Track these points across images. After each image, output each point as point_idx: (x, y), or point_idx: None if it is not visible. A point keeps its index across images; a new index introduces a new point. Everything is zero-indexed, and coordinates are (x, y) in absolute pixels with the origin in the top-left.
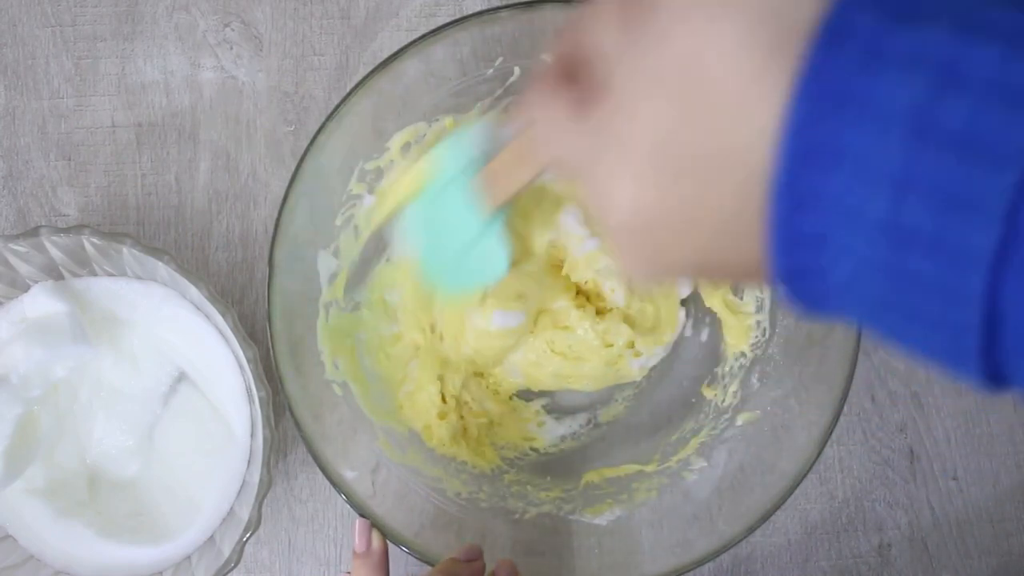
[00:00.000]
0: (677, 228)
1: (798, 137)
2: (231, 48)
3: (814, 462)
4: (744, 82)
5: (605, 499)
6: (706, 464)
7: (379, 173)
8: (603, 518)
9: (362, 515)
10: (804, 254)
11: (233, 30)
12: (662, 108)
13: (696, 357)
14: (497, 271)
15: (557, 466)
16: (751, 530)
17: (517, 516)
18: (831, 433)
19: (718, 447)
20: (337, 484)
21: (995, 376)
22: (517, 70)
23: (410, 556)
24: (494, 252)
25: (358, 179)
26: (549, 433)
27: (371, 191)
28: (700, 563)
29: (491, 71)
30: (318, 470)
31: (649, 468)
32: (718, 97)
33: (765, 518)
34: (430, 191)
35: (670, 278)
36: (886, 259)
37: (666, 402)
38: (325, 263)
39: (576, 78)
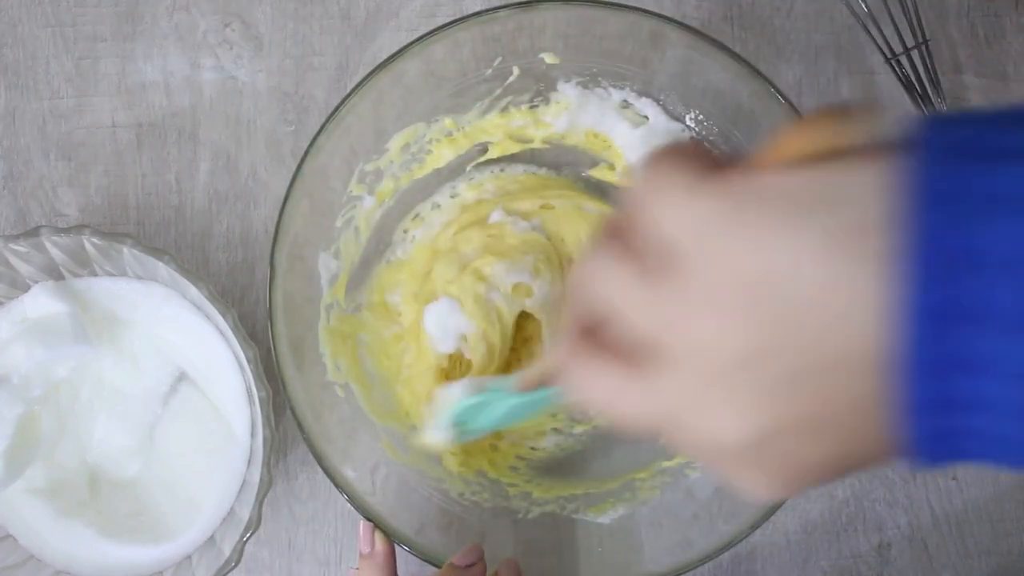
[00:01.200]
0: (794, 441)
1: (927, 309)
2: (231, 48)
3: None
4: (827, 287)
5: (608, 498)
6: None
7: (379, 174)
8: (607, 517)
9: (364, 515)
10: (949, 418)
11: (233, 30)
12: (739, 334)
13: None
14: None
15: (560, 466)
16: (751, 530)
17: (520, 516)
18: None
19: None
20: (339, 484)
21: None
22: (516, 70)
23: (411, 556)
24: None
25: (358, 180)
26: (549, 438)
27: (371, 192)
28: (700, 563)
29: (490, 71)
30: (318, 470)
31: (651, 468)
32: (800, 310)
33: (765, 518)
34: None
35: (804, 486)
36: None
37: None
38: (326, 264)
39: (595, 333)
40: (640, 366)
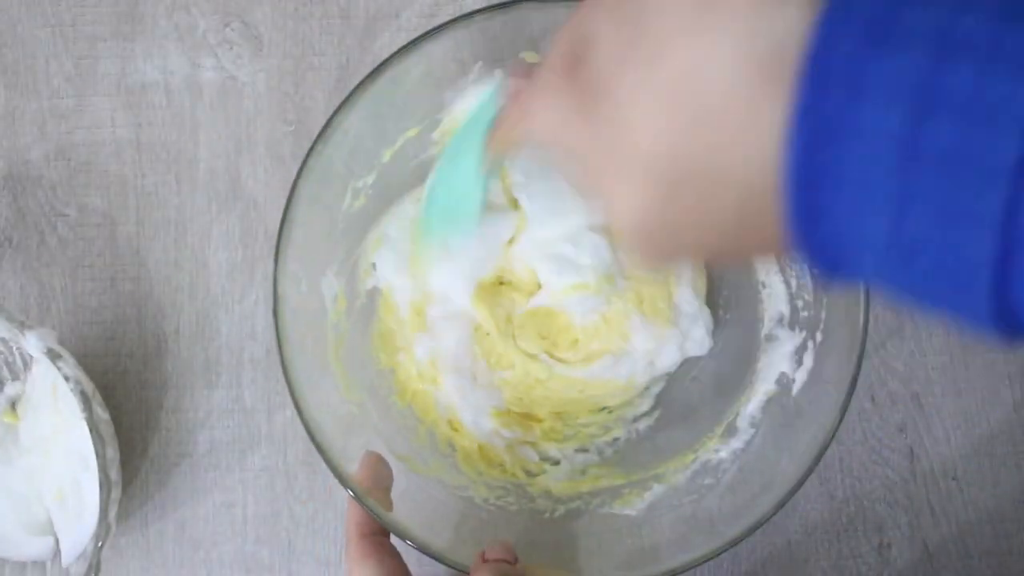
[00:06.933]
0: (682, 231)
1: (799, 162)
2: (231, 48)
3: (815, 463)
4: (742, 102)
5: (633, 489)
6: (722, 456)
7: (379, 178)
8: (633, 507)
9: (393, 532)
10: (817, 195)
11: (233, 30)
12: (661, 122)
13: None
14: (468, 220)
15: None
16: (751, 530)
17: (547, 515)
18: (834, 434)
19: (728, 442)
20: (360, 496)
21: (1007, 318)
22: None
23: (424, 556)
24: (470, 202)
25: (353, 195)
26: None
27: (371, 199)
28: (700, 563)
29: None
30: (318, 471)
31: (671, 465)
32: (717, 116)
33: (765, 519)
34: (445, 152)
35: (682, 263)
36: (896, 186)
37: (677, 402)
38: (328, 285)
39: (577, 71)
40: (589, 110)
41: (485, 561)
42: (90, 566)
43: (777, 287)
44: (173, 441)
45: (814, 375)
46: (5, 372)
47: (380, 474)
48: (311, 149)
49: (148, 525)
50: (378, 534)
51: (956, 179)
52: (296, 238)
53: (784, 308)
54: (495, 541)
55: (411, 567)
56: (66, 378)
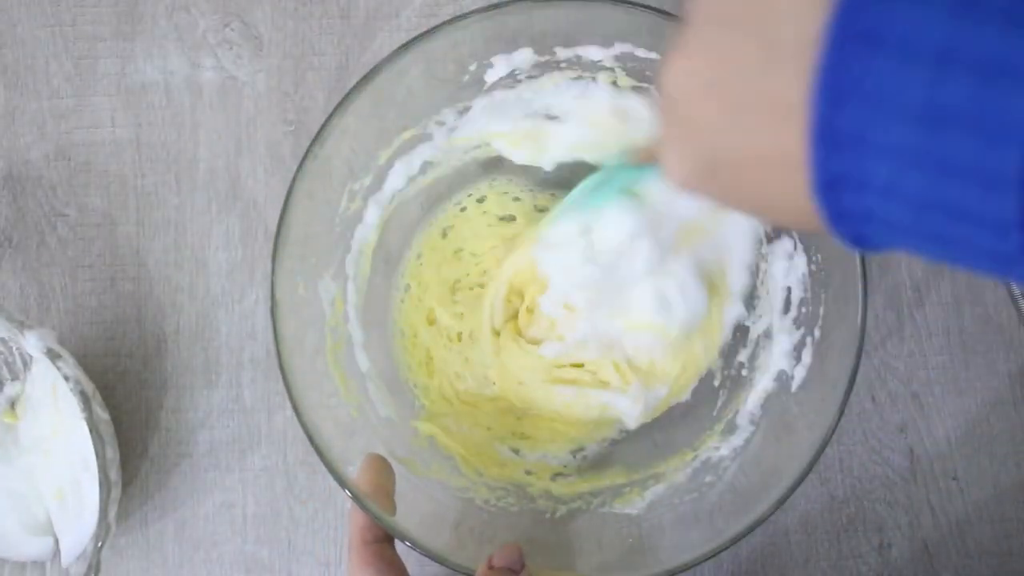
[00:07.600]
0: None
1: (840, 26)
2: (231, 48)
3: (814, 462)
4: (762, 91)
5: (634, 488)
6: (723, 453)
7: (379, 179)
8: (634, 506)
9: (397, 536)
10: (844, 159)
11: (233, 30)
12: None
13: None
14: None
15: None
16: (751, 530)
17: (548, 516)
18: (832, 434)
19: (728, 440)
20: (360, 500)
21: None
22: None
23: (424, 557)
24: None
25: (349, 197)
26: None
27: (372, 202)
28: (700, 561)
29: (491, 70)
30: (317, 470)
31: (671, 463)
32: (742, 109)
33: (765, 518)
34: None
35: (710, 189)
36: (923, 146)
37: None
38: (326, 288)
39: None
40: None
41: (491, 568)
42: (90, 566)
43: (775, 283)
44: (173, 441)
45: (813, 372)
46: (5, 372)
47: (382, 477)
48: (308, 151)
49: (148, 525)
50: (380, 542)
51: (1010, 32)
52: (293, 240)
53: (781, 305)
54: (505, 546)
55: (413, 568)
56: (66, 378)
